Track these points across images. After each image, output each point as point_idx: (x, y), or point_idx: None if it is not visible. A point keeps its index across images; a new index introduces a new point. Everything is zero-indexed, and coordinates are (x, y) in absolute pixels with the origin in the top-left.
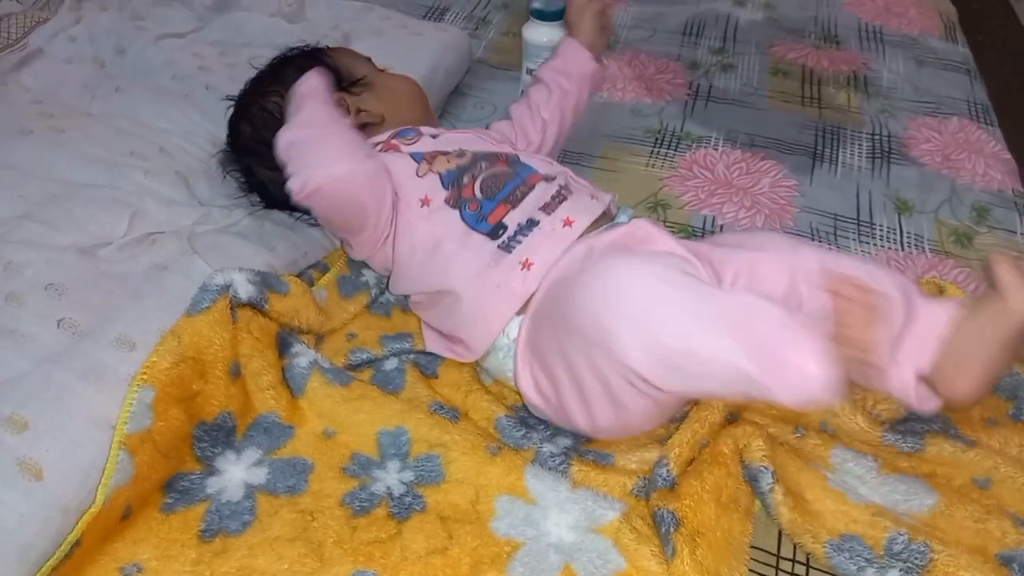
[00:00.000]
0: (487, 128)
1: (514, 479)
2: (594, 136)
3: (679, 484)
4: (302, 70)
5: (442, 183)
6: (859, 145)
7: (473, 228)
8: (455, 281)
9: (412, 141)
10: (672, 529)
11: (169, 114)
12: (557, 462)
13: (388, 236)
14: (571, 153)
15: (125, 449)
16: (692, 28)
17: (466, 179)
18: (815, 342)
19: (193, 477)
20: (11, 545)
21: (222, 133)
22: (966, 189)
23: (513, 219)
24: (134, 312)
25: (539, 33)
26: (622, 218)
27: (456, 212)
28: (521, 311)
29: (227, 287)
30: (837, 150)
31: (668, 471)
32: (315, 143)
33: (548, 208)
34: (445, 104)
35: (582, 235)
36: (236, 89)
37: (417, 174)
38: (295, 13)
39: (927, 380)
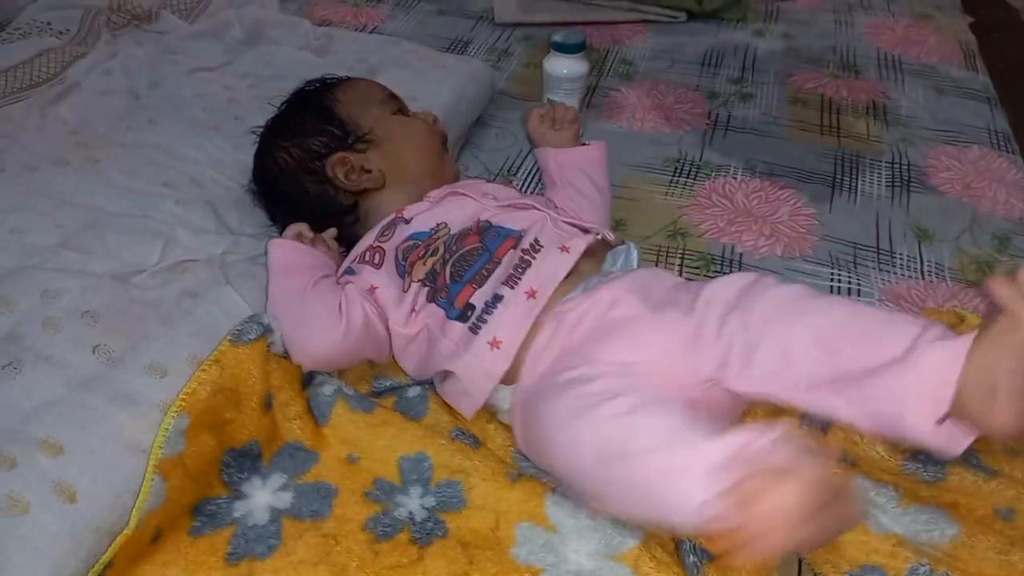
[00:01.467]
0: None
1: (534, 506)
2: (613, 165)
3: None
4: (313, 125)
5: (423, 285)
6: (878, 173)
7: (447, 316)
8: (444, 363)
9: (389, 236)
10: (702, 561)
11: (200, 145)
12: None
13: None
14: None
15: (159, 473)
16: (711, 58)
17: (438, 269)
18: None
19: (220, 501)
20: (45, 565)
21: (250, 163)
22: (987, 217)
23: (479, 298)
24: (165, 339)
25: (559, 65)
26: (608, 265)
27: (434, 304)
28: (508, 380)
29: (271, 328)
30: (856, 179)
31: None
32: (292, 321)
33: (511, 280)
34: (468, 134)
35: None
36: (264, 120)
37: (403, 290)
38: (323, 47)
39: (958, 419)
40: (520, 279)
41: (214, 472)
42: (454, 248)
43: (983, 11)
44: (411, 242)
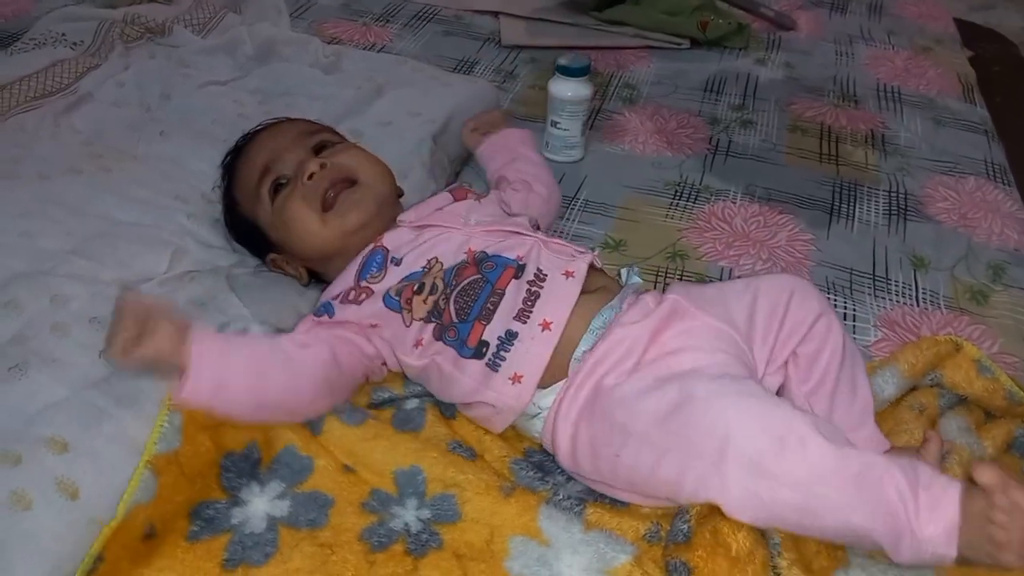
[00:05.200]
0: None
1: (528, 519)
2: (615, 187)
3: (694, 535)
4: (242, 231)
5: (426, 322)
6: (876, 202)
7: (461, 355)
8: (467, 397)
9: (379, 278)
10: None
11: (212, 158)
12: (571, 503)
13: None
14: (592, 203)
15: (151, 468)
16: (713, 85)
17: (442, 305)
18: (946, 513)
19: (218, 506)
20: (46, 561)
21: None
22: (982, 247)
23: (492, 333)
24: None
25: (564, 87)
26: (633, 279)
27: (441, 343)
28: (546, 382)
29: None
30: (854, 206)
31: (689, 528)
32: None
33: (523, 315)
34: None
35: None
36: None
37: (404, 325)
38: (332, 65)
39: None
40: (531, 312)
41: (212, 475)
42: (454, 283)
43: (982, 45)
44: (404, 283)
